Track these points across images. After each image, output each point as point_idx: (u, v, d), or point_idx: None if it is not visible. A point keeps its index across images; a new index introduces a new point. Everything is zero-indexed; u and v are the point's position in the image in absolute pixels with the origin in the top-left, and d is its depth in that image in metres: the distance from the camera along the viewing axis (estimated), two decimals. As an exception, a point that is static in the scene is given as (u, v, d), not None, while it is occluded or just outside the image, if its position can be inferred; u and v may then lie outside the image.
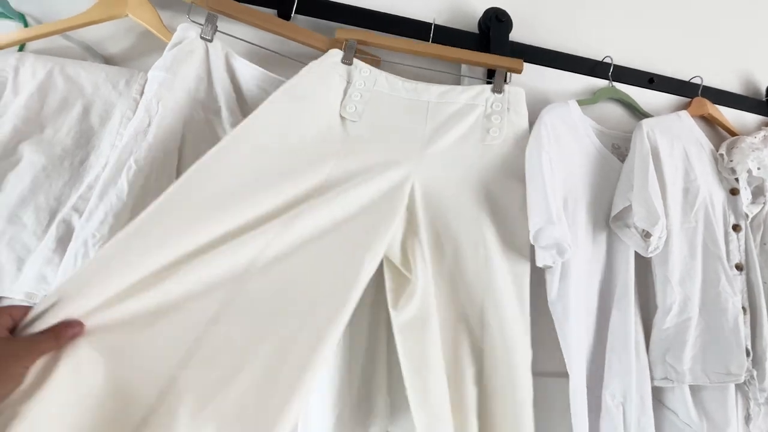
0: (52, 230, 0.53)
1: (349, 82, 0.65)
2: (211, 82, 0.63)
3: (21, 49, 0.64)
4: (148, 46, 0.68)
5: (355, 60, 0.66)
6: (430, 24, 0.73)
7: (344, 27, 0.71)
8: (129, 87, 0.62)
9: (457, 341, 0.56)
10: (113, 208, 0.49)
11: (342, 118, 0.62)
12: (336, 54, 0.65)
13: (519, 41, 0.79)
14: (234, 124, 0.62)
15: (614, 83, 0.82)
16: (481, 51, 0.72)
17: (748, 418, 0.68)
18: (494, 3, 0.78)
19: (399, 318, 0.51)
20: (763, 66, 0.98)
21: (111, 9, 0.62)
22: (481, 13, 0.77)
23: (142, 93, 0.61)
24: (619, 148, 0.77)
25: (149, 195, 0.52)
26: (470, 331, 0.56)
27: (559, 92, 0.80)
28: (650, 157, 0.69)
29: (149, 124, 0.55)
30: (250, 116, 0.53)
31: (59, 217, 0.54)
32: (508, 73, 0.69)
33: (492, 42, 0.75)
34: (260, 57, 0.68)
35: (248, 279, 0.44)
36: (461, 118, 0.65)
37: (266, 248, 0.45)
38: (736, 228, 0.74)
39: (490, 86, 0.67)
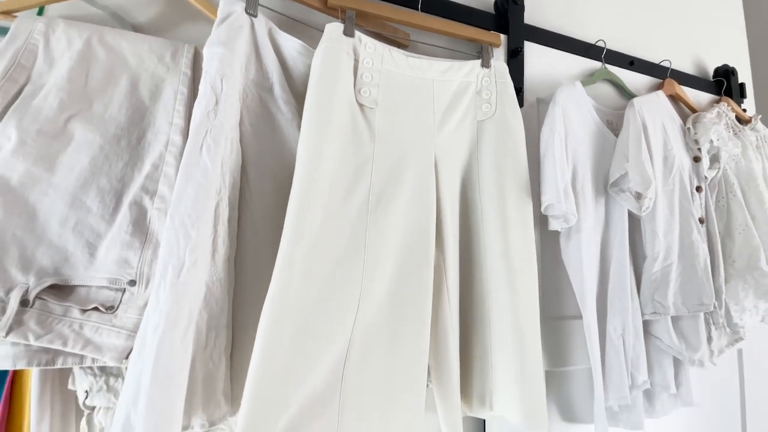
0: (125, 213, 0.51)
1: (356, 60, 0.61)
2: (260, 58, 0.62)
3: (40, 13, 0.58)
4: (178, 16, 0.65)
5: (356, 32, 0.62)
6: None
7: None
8: (176, 61, 0.59)
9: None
10: (201, 187, 0.49)
11: (360, 105, 0.61)
12: (336, 28, 0.60)
13: (529, 23, 0.86)
14: (287, 101, 0.63)
15: (606, 65, 0.92)
16: (499, 31, 0.79)
17: (710, 339, 0.86)
18: (506, -15, 0.83)
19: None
20: (709, 52, 1.15)
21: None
22: (496, -6, 0.83)
23: (192, 68, 0.60)
24: (612, 124, 0.88)
25: (228, 171, 0.53)
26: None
27: (559, 71, 0.89)
28: (642, 131, 0.81)
29: (216, 102, 0.54)
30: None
31: (128, 199, 0.52)
32: (492, 48, 0.73)
33: (510, 23, 0.81)
34: (291, 29, 0.66)
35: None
36: (460, 98, 0.67)
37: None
38: (698, 189, 0.90)
39: (479, 61, 0.70)
